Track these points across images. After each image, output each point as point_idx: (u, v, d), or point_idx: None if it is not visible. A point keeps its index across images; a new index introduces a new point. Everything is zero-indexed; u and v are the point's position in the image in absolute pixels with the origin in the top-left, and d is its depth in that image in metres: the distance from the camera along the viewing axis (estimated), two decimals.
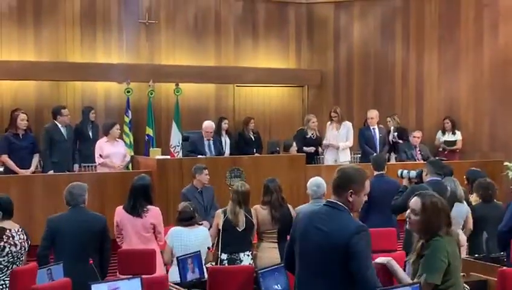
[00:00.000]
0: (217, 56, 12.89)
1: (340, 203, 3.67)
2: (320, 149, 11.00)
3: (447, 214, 3.93)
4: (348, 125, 10.79)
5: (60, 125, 9.49)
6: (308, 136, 11.10)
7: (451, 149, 11.91)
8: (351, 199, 3.66)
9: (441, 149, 11.99)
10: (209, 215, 8.07)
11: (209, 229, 6.97)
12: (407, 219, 3.98)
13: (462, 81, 12.44)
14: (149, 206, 6.72)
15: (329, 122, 10.96)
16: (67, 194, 6.07)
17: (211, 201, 8.38)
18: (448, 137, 12.00)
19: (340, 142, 10.68)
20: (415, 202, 3.96)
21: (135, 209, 6.68)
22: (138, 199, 6.68)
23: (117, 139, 9.49)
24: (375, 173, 8.02)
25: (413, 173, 7.06)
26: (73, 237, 5.92)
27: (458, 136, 12.01)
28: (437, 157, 9.46)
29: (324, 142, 10.91)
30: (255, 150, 11.72)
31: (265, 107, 13.40)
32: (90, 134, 10.72)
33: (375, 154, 9.89)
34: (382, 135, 10.99)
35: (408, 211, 3.99)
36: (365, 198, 3.72)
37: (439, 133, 12.13)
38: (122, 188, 8.06)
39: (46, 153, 9.32)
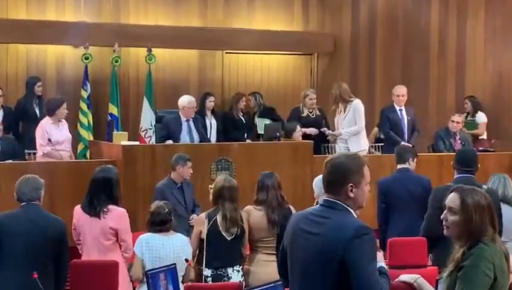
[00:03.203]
0: (202, 14, 12.85)
1: (338, 202, 3.75)
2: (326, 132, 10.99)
3: (493, 214, 3.95)
4: (354, 104, 10.63)
5: None
6: (304, 115, 11.14)
7: (471, 134, 11.95)
8: (352, 195, 3.74)
9: (483, 137, 12.06)
10: (194, 213, 8.28)
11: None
12: (444, 221, 3.99)
13: None
14: (111, 206, 6.73)
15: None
16: (19, 187, 6.13)
17: (193, 200, 8.47)
18: (468, 120, 12.05)
19: (347, 127, 10.59)
20: (452, 198, 3.97)
21: (92, 206, 6.71)
22: (97, 194, 6.71)
23: (61, 119, 9.59)
24: (398, 166, 8.08)
25: None
26: (24, 241, 5.96)
27: (481, 118, 12.09)
28: (479, 148, 9.46)
29: (328, 131, 10.95)
30: (246, 135, 11.75)
31: (263, 81, 13.38)
32: (37, 112, 10.71)
33: (402, 143, 9.92)
34: (411, 117, 10.98)
35: (444, 211, 4.01)
36: (368, 188, 3.80)
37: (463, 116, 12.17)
38: (76, 183, 8.08)
39: None
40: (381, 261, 3.87)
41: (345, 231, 3.62)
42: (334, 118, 10.96)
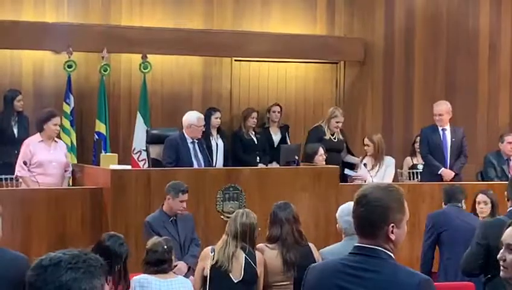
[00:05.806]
0: (207, 15, 12.89)
1: (380, 248, 3.63)
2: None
3: None
4: (389, 163, 10.82)
5: None
6: (327, 137, 11.17)
7: None
8: (393, 237, 3.62)
9: None
10: (187, 254, 8.17)
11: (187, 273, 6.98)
12: (501, 262, 3.99)
13: None
14: None
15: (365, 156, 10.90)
16: None
17: (190, 235, 8.38)
18: None
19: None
20: (511, 234, 3.98)
21: None
22: None
23: (56, 139, 9.51)
24: (448, 205, 8.29)
25: None
26: None
27: None
28: None
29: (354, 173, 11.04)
30: (258, 158, 11.75)
31: (279, 93, 13.40)
32: (15, 131, 10.75)
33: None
34: (456, 139, 10.96)
35: (502, 250, 4.00)
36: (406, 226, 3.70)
37: None
38: (55, 216, 8.05)
39: None
40: None
41: (404, 285, 3.51)
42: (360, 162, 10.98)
